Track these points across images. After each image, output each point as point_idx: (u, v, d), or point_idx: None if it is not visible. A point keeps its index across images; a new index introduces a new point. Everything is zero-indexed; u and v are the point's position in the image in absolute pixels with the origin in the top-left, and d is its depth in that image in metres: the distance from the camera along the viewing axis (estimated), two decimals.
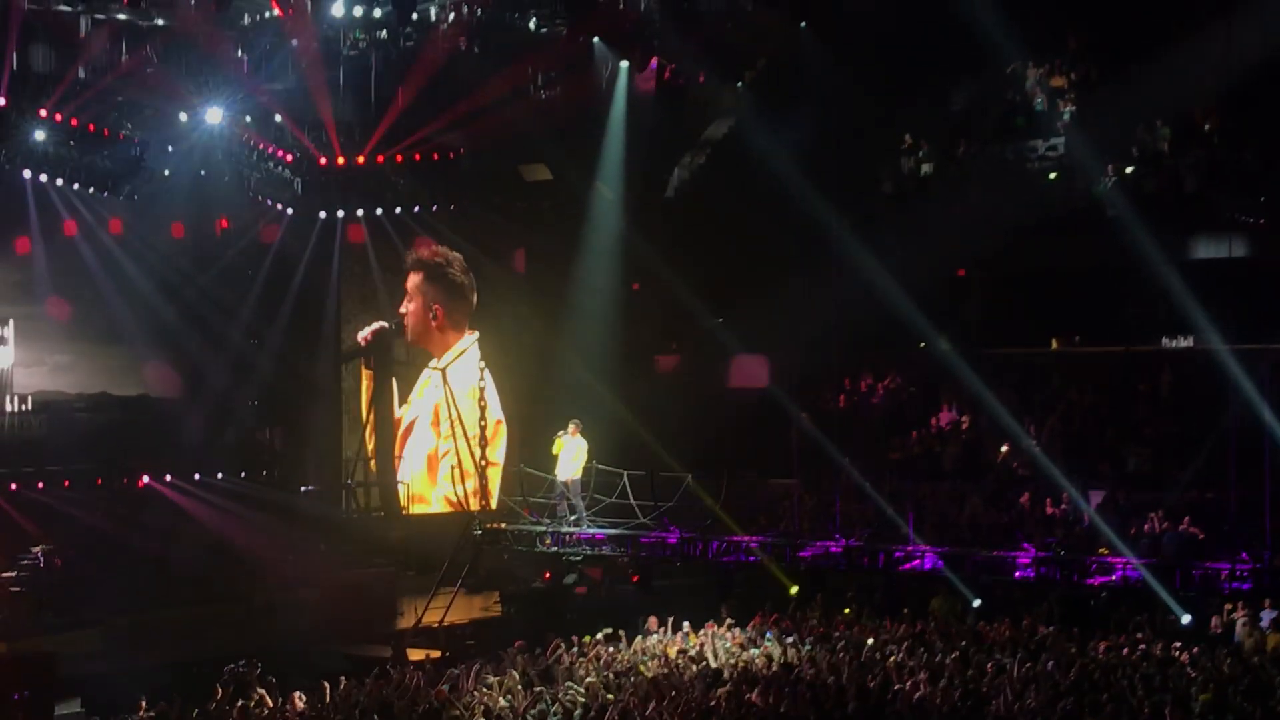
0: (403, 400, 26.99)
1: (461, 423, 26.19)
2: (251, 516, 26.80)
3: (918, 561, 23.04)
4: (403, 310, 26.69)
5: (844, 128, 28.65)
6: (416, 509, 26.69)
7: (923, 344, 27.77)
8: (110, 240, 26.80)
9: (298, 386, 28.92)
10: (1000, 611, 22.12)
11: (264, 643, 21.83)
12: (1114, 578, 21.51)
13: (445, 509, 26.57)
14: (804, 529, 24.35)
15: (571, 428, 25.20)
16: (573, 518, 25.12)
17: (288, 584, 25.90)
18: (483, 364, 26.52)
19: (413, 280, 26.63)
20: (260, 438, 28.91)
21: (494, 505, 26.05)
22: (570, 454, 25.15)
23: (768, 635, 21.65)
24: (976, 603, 22.58)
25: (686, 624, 22.08)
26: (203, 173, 27.03)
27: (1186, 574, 20.74)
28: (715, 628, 22.14)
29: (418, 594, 24.95)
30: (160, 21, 25.75)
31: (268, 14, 26.64)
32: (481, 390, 26.27)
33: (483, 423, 26.17)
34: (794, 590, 24.13)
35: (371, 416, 26.45)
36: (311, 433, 29.18)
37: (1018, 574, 22.21)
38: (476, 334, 26.89)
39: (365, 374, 26.78)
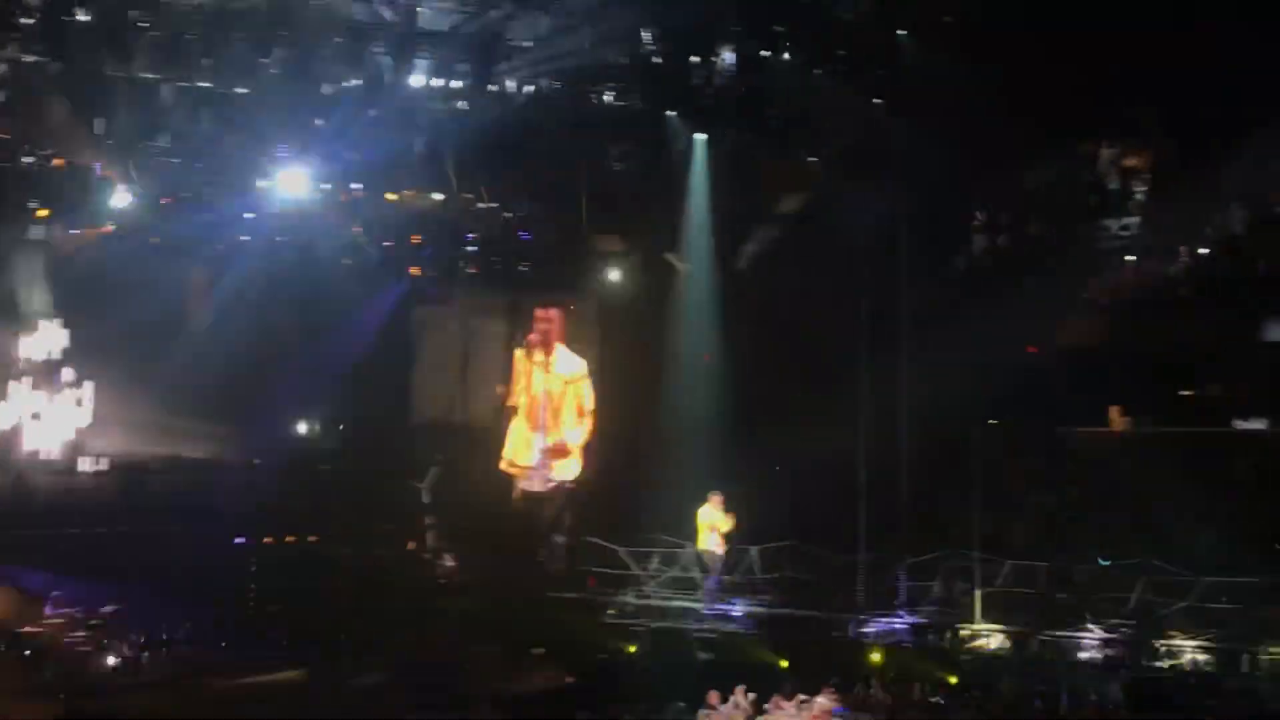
0: None
1: None
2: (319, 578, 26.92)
3: (984, 640, 22.99)
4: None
5: (918, 204, 28.61)
6: None
7: (992, 421, 27.63)
8: (188, 305, 27.17)
9: (375, 452, 29.08)
10: (1067, 694, 21.90)
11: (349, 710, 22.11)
12: (1183, 661, 21.33)
13: None
14: (870, 605, 24.32)
15: (713, 499, 25.42)
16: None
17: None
18: None
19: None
20: (333, 502, 29.07)
21: None
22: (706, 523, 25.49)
23: (836, 711, 21.57)
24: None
25: (748, 696, 22.03)
26: (279, 239, 27.41)
27: (1254, 660, 20.52)
28: (784, 702, 22.08)
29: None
30: (242, 90, 26.19)
31: (347, 84, 27.01)
32: None
33: None
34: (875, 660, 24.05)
35: None
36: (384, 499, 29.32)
37: (1084, 655, 22.06)
38: None
39: None
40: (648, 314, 30.10)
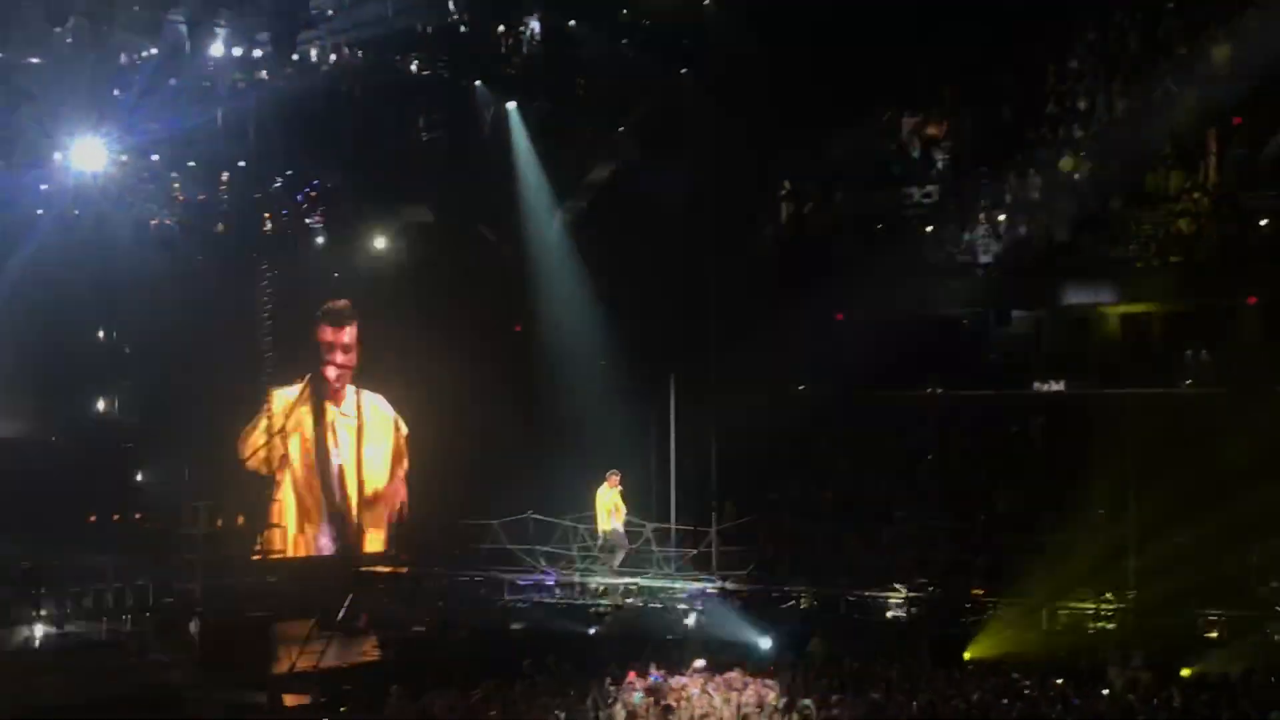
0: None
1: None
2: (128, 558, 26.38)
3: (795, 602, 23.34)
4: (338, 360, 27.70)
5: (724, 173, 28.82)
6: None
7: (801, 386, 28.01)
8: None
9: (172, 432, 28.46)
10: (877, 653, 22.27)
11: (140, 687, 21.58)
12: (984, 617, 21.86)
13: None
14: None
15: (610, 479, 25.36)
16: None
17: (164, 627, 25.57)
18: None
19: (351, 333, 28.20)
20: (138, 481, 28.47)
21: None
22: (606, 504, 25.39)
23: (653, 678, 21.67)
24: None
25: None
26: (76, 212, 26.67)
27: (1053, 614, 21.15)
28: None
29: (294, 638, 24.67)
30: (35, 60, 25.46)
31: (145, 54, 26.42)
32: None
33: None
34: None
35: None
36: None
37: (890, 614, 22.51)
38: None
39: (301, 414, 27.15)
40: (462, 287, 29.85)
